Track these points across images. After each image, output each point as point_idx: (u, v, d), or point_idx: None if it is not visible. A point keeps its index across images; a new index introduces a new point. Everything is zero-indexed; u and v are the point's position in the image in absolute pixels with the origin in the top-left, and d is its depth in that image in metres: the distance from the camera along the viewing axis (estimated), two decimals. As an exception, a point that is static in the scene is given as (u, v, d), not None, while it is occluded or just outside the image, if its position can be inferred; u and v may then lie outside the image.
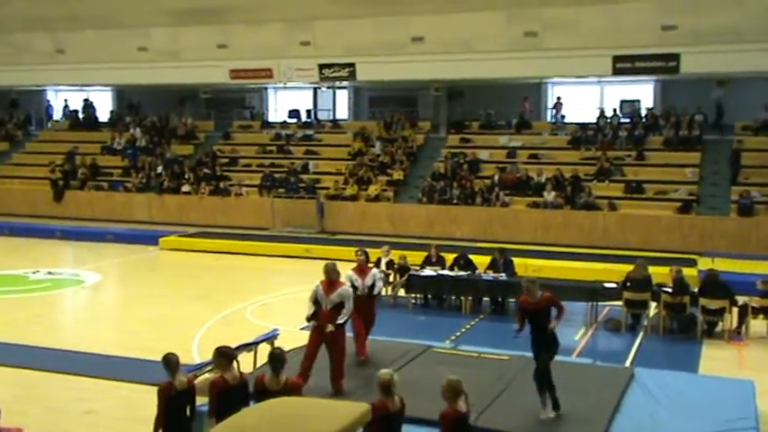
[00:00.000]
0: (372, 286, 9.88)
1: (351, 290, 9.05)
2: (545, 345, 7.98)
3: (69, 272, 18.97)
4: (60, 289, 16.87)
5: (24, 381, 10.11)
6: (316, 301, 8.81)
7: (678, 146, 23.07)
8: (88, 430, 8.32)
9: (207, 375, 9.80)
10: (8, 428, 6.42)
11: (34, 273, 18.02)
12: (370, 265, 11.58)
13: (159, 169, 26.78)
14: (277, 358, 6.73)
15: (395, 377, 6.29)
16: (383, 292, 14.75)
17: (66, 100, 32.89)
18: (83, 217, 26.19)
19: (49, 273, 18.18)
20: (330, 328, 8.55)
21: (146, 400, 9.20)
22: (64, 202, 27.15)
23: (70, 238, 23.46)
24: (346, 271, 9.66)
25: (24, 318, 13.67)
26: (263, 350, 9.20)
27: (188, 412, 6.65)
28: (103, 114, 32.03)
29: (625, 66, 21.89)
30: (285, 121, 29.47)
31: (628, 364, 10.98)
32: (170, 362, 6.63)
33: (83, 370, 10.28)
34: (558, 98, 26.29)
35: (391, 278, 14.86)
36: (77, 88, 31.93)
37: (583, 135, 24.40)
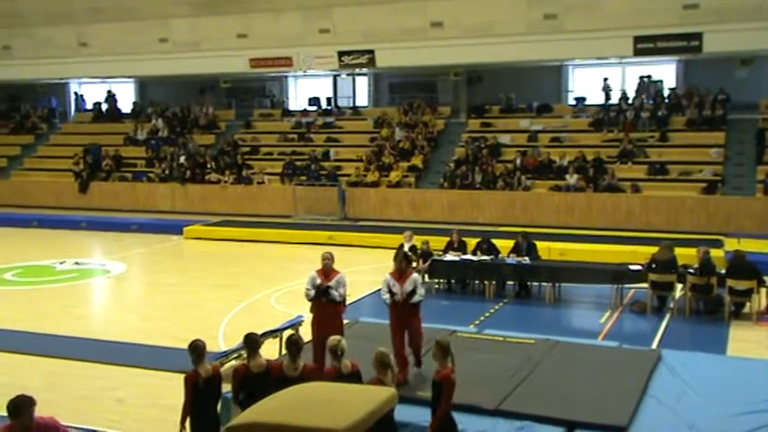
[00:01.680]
0: (412, 292, 8.85)
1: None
2: None
3: (96, 262, 19.22)
4: (87, 279, 17.10)
5: (55, 369, 10.27)
6: (390, 290, 8.81)
7: (702, 126, 22.77)
8: (118, 418, 8.43)
9: (233, 362, 9.91)
10: (42, 417, 6.52)
11: (62, 263, 18.27)
12: (414, 265, 11.26)
13: (182, 159, 26.96)
14: (294, 343, 6.76)
15: (342, 342, 6.70)
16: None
17: (75, 93, 33.17)
18: (108, 208, 26.47)
19: (76, 263, 18.42)
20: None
21: (173, 388, 9.31)
22: (89, 194, 27.45)
23: (96, 228, 23.73)
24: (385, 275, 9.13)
25: (53, 307, 13.87)
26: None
27: (214, 399, 6.72)
28: (126, 105, 32.27)
29: (647, 46, 21.62)
30: (305, 109, 29.49)
31: (654, 346, 10.90)
32: (197, 348, 6.69)
33: (111, 358, 10.42)
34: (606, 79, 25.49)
35: (414, 264, 14.85)
36: (100, 80, 32.18)
37: (605, 117, 24.16)
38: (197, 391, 6.52)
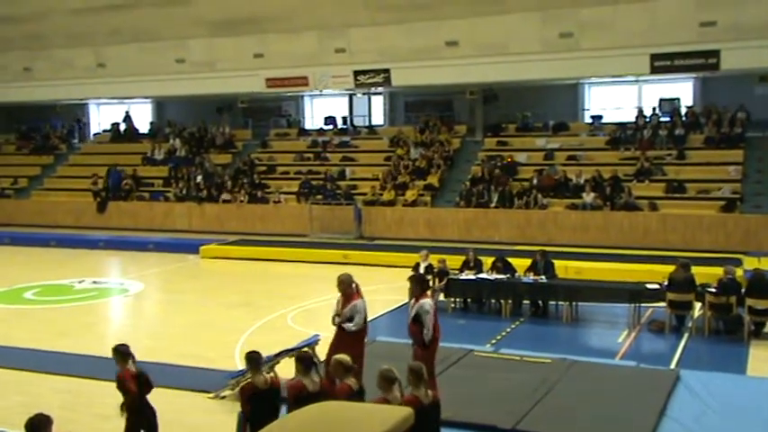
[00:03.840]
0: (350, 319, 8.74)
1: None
2: None
3: (114, 281, 19.35)
4: (106, 298, 17.22)
5: (73, 388, 10.33)
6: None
7: (720, 143, 22.65)
8: None
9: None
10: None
11: (80, 282, 18.41)
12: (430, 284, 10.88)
13: (198, 179, 27.16)
14: (305, 359, 6.74)
15: (128, 347, 7.05)
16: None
17: (78, 120, 33.50)
18: (125, 227, 26.68)
19: (95, 282, 18.55)
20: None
21: (192, 406, 9.35)
22: (107, 214, 27.69)
23: (113, 248, 23.91)
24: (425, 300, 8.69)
25: (72, 326, 13.97)
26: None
27: (273, 410, 6.71)
28: (143, 126, 32.62)
29: (663, 64, 21.55)
30: (321, 128, 29.65)
31: (673, 366, 10.79)
32: (251, 359, 6.75)
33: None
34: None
35: (430, 282, 14.85)
36: (118, 101, 32.56)
37: (621, 135, 24.10)
38: (255, 402, 6.50)
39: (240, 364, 10.73)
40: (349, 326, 8.69)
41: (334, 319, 8.83)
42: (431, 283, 14.74)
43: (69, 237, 25.41)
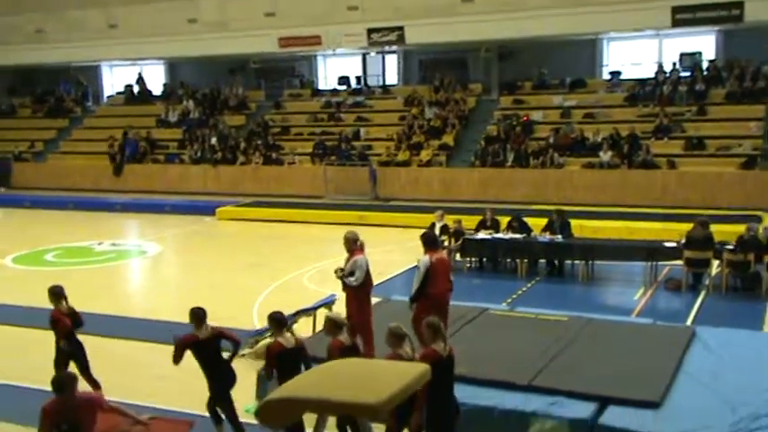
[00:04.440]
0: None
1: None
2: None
3: (132, 243, 19.55)
4: (124, 260, 17.41)
5: (96, 347, 10.47)
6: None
7: (742, 99, 22.27)
8: (162, 393, 8.60)
9: (267, 341, 10.05)
10: (85, 393, 6.70)
11: (99, 244, 18.61)
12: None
13: (213, 141, 27.18)
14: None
15: (62, 288, 7.97)
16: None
17: (79, 83, 33.46)
18: (141, 190, 26.82)
19: (113, 244, 18.75)
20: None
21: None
22: (123, 176, 27.84)
23: (130, 210, 24.10)
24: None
25: (93, 287, 14.13)
26: (322, 315, 9.34)
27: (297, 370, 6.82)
28: (156, 87, 32.56)
29: (685, 16, 21.14)
30: (335, 89, 29.48)
31: (689, 323, 10.80)
32: (274, 320, 6.87)
33: (151, 336, 10.61)
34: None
35: (446, 242, 14.86)
36: (130, 62, 32.48)
37: (640, 91, 23.77)
38: (282, 362, 6.61)
39: (258, 324, 10.87)
40: (350, 280, 8.81)
41: (336, 272, 8.96)
42: (446, 242, 14.78)
43: (87, 200, 25.62)
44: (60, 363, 8.04)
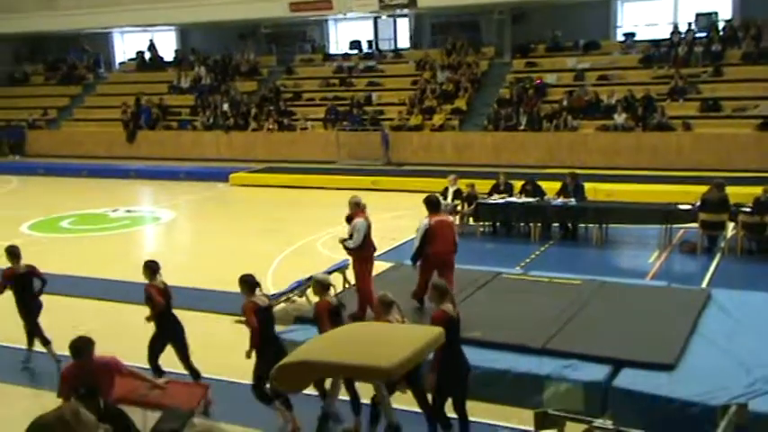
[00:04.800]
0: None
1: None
2: None
3: (146, 209, 19.65)
4: (139, 226, 17.53)
5: (112, 312, 10.63)
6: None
7: (758, 59, 21.88)
8: (176, 358, 8.69)
9: (282, 305, 10.14)
10: (103, 357, 6.78)
11: (114, 211, 18.72)
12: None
13: (225, 107, 27.11)
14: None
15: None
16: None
17: (84, 50, 33.25)
18: (154, 156, 26.86)
19: (128, 211, 18.85)
20: None
21: (225, 330, 9.59)
22: (136, 143, 27.88)
23: (144, 177, 24.20)
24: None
25: (109, 253, 14.27)
26: (336, 279, 9.41)
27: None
28: (168, 54, 32.43)
29: (701, -26, 20.67)
30: (347, 53, 29.24)
31: (704, 285, 10.76)
32: (245, 282, 7.16)
33: (165, 302, 10.71)
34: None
35: (459, 207, 14.85)
36: (141, 29, 32.32)
37: (655, 53, 23.41)
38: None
39: (273, 289, 10.93)
40: (348, 242, 8.92)
41: (340, 240, 9.19)
42: (459, 207, 14.76)
43: (101, 167, 25.72)
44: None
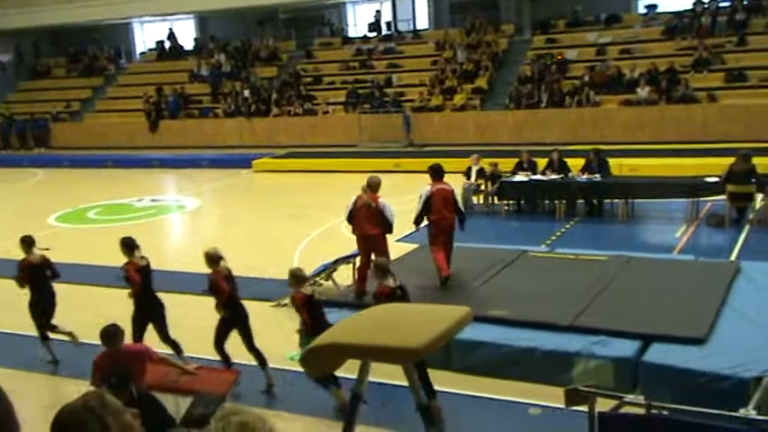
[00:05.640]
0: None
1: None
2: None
3: (171, 198, 19.81)
4: (165, 215, 17.68)
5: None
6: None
7: (784, 27, 21.48)
8: (205, 343, 8.78)
9: (309, 289, 10.17)
10: (134, 344, 6.88)
11: (139, 201, 18.90)
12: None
13: (246, 93, 27.17)
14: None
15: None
16: (475, 201, 14.81)
17: (95, 40, 33.38)
18: (177, 145, 27.04)
19: (153, 200, 19.02)
20: None
21: (254, 314, 9.64)
22: (159, 132, 28.07)
23: (168, 166, 24.37)
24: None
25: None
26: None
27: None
28: (187, 43, 32.53)
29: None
30: (365, 36, 29.11)
31: (733, 258, 10.63)
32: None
33: (191, 288, 10.79)
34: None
35: (482, 186, 14.78)
36: (160, 18, 32.43)
37: (678, 24, 23.02)
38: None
39: (299, 273, 10.98)
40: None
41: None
42: (482, 186, 14.69)
43: (125, 157, 25.95)
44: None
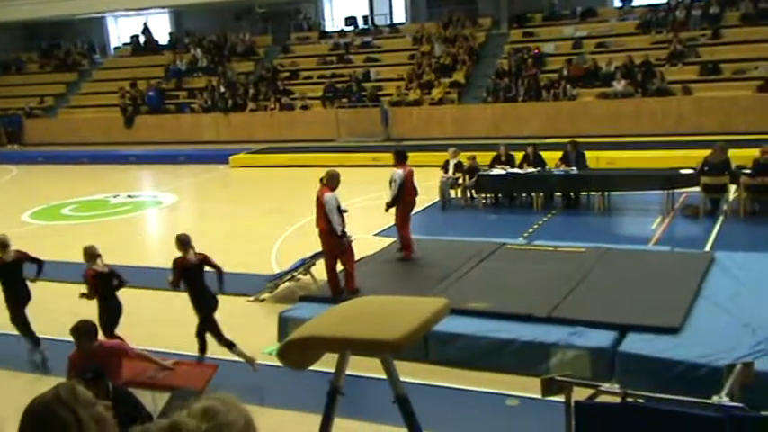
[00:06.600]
0: None
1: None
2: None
3: (147, 194, 19.64)
4: (141, 210, 17.53)
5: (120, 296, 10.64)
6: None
7: (758, 20, 21.70)
8: (186, 340, 8.73)
9: (287, 283, 10.16)
10: (107, 341, 6.82)
11: (115, 197, 18.72)
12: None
13: (222, 89, 26.99)
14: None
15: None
16: (453, 195, 14.84)
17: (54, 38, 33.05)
18: (153, 141, 26.80)
19: (129, 196, 18.86)
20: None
21: (234, 310, 9.61)
22: (134, 128, 27.80)
23: (144, 162, 24.16)
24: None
25: (112, 239, 14.25)
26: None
27: None
28: (163, 37, 32.24)
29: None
30: (342, 30, 29.02)
31: (708, 249, 10.76)
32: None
33: (167, 284, 10.72)
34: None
35: (460, 180, 14.82)
36: (135, 13, 32.10)
37: (653, 18, 23.22)
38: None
39: (276, 269, 10.95)
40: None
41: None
42: (460, 180, 14.73)
43: (100, 153, 25.68)
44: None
